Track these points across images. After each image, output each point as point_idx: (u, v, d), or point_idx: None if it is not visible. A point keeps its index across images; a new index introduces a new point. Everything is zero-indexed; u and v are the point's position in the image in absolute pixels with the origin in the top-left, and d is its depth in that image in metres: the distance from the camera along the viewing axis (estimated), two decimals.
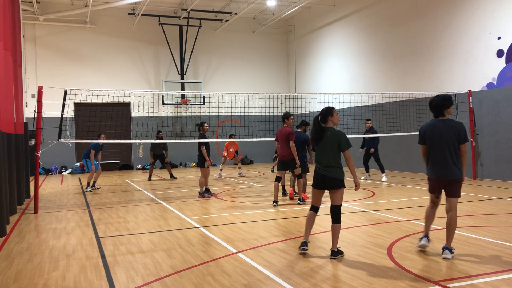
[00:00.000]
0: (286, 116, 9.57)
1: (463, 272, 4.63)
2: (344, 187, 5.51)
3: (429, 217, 5.65)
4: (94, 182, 12.99)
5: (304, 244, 5.47)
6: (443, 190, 5.48)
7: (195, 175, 17.25)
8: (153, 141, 15.52)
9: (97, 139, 12.22)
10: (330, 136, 5.34)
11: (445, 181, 5.39)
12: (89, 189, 12.61)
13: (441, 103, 5.49)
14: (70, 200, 11.00)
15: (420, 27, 15.33)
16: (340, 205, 5.55)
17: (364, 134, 13.88)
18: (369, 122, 13.84)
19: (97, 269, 5.12)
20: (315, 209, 5.68)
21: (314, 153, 5.67)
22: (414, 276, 4.55)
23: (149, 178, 15.55)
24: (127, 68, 21.04)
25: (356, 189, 5.55)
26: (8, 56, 8.65)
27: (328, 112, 5.45)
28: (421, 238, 5.52)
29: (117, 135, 16.00)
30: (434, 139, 5.41)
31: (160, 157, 15.87)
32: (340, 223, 5.47)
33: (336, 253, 5.30)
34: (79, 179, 16.77)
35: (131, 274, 4.89)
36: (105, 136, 12.63)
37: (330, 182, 5.45)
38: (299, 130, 10.28)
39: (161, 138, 16.01)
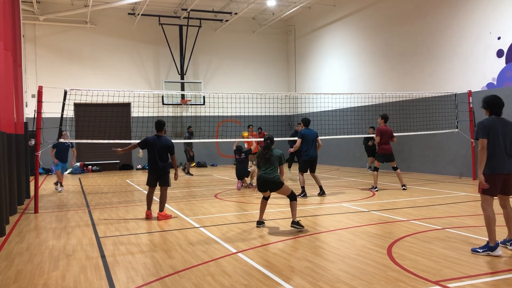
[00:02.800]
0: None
1: (463, 272, 4.63)
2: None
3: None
4: (60, 183, 12.74)
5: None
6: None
7: (195, 175, 17.26)
8: (187, 140, 16.29)
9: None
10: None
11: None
12: (60, 188, 12.63)
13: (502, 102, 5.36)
14: (70, 200, 11.00)
15: (420, 27, 15.33)
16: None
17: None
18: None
19: (97, 269, 5.12)
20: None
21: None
22: (414, 276, 4.55)
23: (188, 173, 16.90)
24: (127, 68, 21.04)
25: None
26: (8, 56, 8.65)
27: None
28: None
29: (117, 135, 15.97)
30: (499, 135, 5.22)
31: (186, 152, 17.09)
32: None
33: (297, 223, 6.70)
34: (79, 179, 16.77)
35: (131, 274, 4.89)
36: (66, 133, 12.00)
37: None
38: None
39: (192, 133, 17.47)
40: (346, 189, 11.86)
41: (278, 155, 7.01)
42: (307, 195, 10.42)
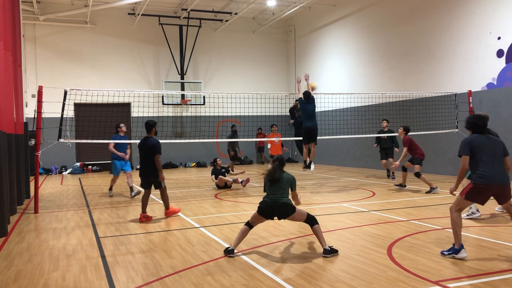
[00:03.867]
0: None
1: (463, 272, 4.63)
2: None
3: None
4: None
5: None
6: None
7: (195, 175, 17.25)
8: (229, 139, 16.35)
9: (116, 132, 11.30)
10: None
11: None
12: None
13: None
14: (70, 200, 11.00)
15: (420, 27, 15.33)
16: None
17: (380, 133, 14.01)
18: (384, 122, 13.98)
19: (97, 269, 5.12)
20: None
21: None
22: (414, 276, 4.55)
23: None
24: (127, 68, 21.03)
25: None
26: (8, 56, 8.65)
27: None
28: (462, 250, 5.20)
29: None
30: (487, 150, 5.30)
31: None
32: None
33: (329, 252, 5.42)
34: (79, 179, 16.77)
35: (131, 274, 4.89)
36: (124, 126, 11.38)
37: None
38: None
39: (235, 132, 17.60)
40: (346, 189, 11.86)
41: (290, 178, 5.77)
42: (311, 166, 11.43)
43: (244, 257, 5.42)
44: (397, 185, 11.67)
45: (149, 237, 6.67)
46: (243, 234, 5.69)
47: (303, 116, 11.27)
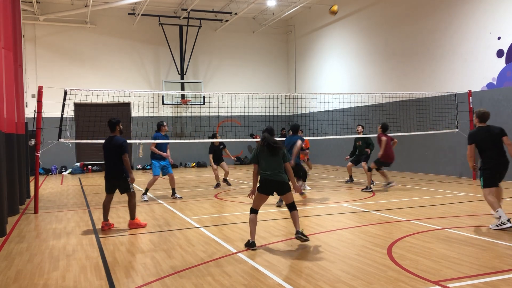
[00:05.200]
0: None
1: (463, 272, 4.63)
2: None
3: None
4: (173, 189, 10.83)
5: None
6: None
7: (195, 175, 17.25)
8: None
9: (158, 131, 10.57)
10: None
11: None
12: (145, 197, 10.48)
13: None
14: (70, 200, 11.00)
15: (420, 27, 15.33)
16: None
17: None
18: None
19: (97, 269, 5.12)
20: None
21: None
22: (414, 276, 4.55)
23: None
24: (127, 68, 21.03)
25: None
26: (9, 56, 8.65)
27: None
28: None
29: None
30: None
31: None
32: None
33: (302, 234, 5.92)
34: (79, 179, 16.78)
35: (131, 274, 4.89)
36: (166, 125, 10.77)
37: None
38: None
39: (284, 135, 17.10)
40: (346, 189, 11.86)
41: (284, 152, 6.00)
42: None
43: (244, 257, 5.42)
44: (366, 189, 11.14)
45: (149, 237, 6.67)
46: (253, 224, 5.94)
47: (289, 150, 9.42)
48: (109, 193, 7.43)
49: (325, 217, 7.92)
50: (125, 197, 7.78)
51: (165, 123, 10.74)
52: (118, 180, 7.25)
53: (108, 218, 7.36)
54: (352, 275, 4.65)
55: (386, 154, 11.14)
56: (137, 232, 7.04)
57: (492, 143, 6.76)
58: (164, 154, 10.34)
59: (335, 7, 12.68)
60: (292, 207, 5.97)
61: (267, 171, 5.89)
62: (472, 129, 7.12)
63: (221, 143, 12.91)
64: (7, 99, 8.39)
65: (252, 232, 5.89)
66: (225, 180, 12.96)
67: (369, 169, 11.34)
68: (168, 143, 10.78)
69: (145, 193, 10.54)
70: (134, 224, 7.31)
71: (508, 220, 6.39)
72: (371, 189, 11.04)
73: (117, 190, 7.47)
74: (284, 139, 10.11)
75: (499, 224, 6.46)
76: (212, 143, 12.79)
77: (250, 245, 5.77)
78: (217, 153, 12.77)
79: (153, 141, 10.46)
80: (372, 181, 11.34)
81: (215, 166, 12.64)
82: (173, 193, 10.72)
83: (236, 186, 13.21)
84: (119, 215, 8.64)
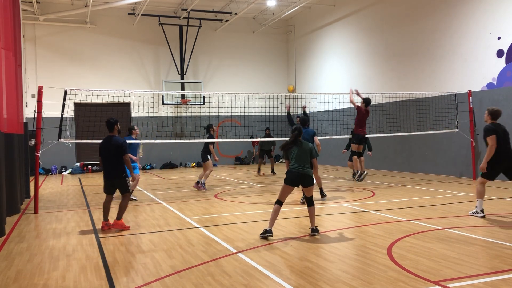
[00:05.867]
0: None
1: (463, 272, 4.63)
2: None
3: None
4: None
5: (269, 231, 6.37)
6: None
7: (195, 175, 17.25)
8: (262, 139, 16.15)
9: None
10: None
11: None
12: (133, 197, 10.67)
13: None
14: (70, 200, 11.00)
15: (420, 28, 15.33)
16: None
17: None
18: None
19: (97, 269, 5.12)
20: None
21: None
22: (414, 276, 4.55)
23: (259, 172, 16.77)
24: (127, 68, 21.03)
25: None
26: (9, 56, 8.65)
27: None
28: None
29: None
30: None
31: (267, 152, 17.02)
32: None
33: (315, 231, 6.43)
34: (79, 179, 16.77)
35: (131, 274, 4.89)
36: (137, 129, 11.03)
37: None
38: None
39: (269, 134, 17.31)
40: (346, 189, 11.86)
41: (309, 147, 6.58)
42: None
43: (244, 257, 5.42)
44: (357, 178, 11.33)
45: (149, 237, 6.67)
46: (275, 213, 6.40)
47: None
48: (108, 194, 7.41)
49: (325, 217, 7.92)
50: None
51: (135, 127, 10.96)
52: (119, 180, 7.23)
53: (108, 218, 7.33)
54: (352, 275, 4.65)
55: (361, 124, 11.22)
56: (137, 232, 7.04)
57: (503, 140, 7.31)
58: (133, 157, 10.46)
59: (291, 88, 13.26)
60: (310, 202, 6.54)
61: (295, 164, 6.45)
62: (489, 124, 7.51)
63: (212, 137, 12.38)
64: (7, 99, 8.40)
65: (272, 220, 6.38)
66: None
67: (353, 153, 11.32)
68: (138, 146, 11.29)
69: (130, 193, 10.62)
70: (118, 225, 7.18)
71: (482, 211, 7.50)
72: (361, 176, 11.02)
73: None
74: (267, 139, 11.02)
75: (475, 212, 7.56)
76: (212, 137, 12.28)
77: (266, 232, 6.28)
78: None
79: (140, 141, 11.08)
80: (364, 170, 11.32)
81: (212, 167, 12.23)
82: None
83: (236, 186, 13.21)
84: None
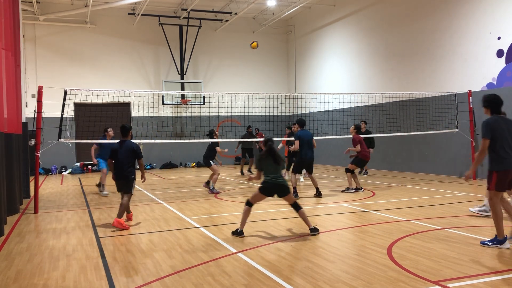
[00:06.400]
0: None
1: (463, 272, 4.63)
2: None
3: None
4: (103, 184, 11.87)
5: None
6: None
7: (195, 175, 17.26)
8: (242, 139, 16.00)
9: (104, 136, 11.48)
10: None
11: None
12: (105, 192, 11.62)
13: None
14: (70, 200, 11.00)
15: (420, 27, 15.33)
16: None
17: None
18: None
19: (97, 269, 5.12)
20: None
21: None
22: (414, 276, 4.55)
23: (242, 173, 16.59)
24: (127, 68, 21.03)
25: None
26: (9, 56, 8.64)
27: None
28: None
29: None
30: (505, 133, 5.45)
31: (248, 151, 16.75)
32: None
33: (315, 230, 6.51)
34: (79, 179, 16.77)
35: (131, 274, 4.89)
36: (112, 131, 11.59)
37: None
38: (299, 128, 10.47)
39: (250, 133, 16.97)
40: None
41: (283, 158, 6.75)
42: (298, 196, 10.29)
43: (244, 257, 5.42)
44: (349, 190, 11.01)
45: (149, 237, 6.67)
46: (246, 214, 6.55)
47: (302, 144, 10.12)
48: (120, 192, 7.76)
49: (325, 217, 7.92)
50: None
51: (109, 129, 11.63)
52: (126, 181, 7.56)
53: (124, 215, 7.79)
54: (352, 275, 4.65)
55: (364, 151, 11.09)
56: (137, 232, 7.04)
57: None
58: (94, 160, 11.69)
59: (255, 44, 13.28)
60: (297, 206, 6.57)
61: (271, 175, 6.52)
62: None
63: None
64: (7, 99, 8.40)
65: (244, 222, 6.56)
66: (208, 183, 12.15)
67: (348, 170, 11.02)
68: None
69: (103, 188, 11.72)
70: (117, 223, 7.27)
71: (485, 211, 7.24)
72: (353, 190, 10.91)
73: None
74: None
75: (481, 210, 7.36)
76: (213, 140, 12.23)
77: (238, 233, 6.46)
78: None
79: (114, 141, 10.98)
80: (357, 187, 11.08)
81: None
82: (99, 185, 11.99)
83: (236, 186, 13.21)
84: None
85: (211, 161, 11.83)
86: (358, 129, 11.24)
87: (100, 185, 11.93)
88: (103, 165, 11.67)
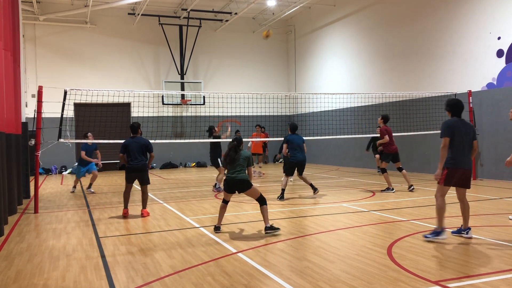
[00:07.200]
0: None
1: (463, 272, 4.63)
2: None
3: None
4: (90, 184, 12.46)
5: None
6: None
7: (195, 175, 17.26)
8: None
9: (84, 139, 11.89)
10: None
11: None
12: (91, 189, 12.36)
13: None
14: (70, 200, 11.00)
15: (420, 27, 15.33)
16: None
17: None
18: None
19: (97, 269, 5.12)
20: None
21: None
22: (414, 276, 4.55)
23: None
24: (127, 68, 21.03)
25: None
26: (8, 56, 8.64)
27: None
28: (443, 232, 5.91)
29: (117, 135, 15.99)
30: (461, 134, 6.04)
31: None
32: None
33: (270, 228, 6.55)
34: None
35: (131, 274, 4.89)
36: (92, 135, 12.16)
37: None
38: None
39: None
40: (346, 189, 11.86)
41: (247, 155, 6.82)
42: (284, 198, 10.10)
43: (244, 257, 5.42)
44: (383, 190, 11.05)
45: (149, 237, 6.67)
46: (222, 210, 6.91)
47: (292, 148, 10.15)
48: (129, 183, 8.51)
49: (325, 217, 7.92)
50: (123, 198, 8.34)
51: (89, 134, 12.08)
52: (141, 172, 8.38)
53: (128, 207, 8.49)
54: (352, 275, 4.65)
55: (390, 145, 11.03)
56: (137, 232, 7.04)
57: None
58: (88, 159, 12.12)
59: (266, 33, 13.35)
60: (261, 201, 6.73)
61: (229, 172, 6.79)
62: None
63: (218, 137, 12.31)
64: (7, 99, 8.39)
65: (220, 217, 6.90)
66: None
67: (384, 171, 11.09)
68: (95, 149, 12.34)
69: (88, 187, 12.30)
70: (146, 212, 8.50)
71: None
72: (393, 190, 10.86)
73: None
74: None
75: None
76: (218, 137, 12.25)
77: (216, 229, 6.79)
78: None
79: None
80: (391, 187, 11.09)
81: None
82: (89, 186, 12.40)
83: None
84: (119, 214, 8.64)
85: (218, 160, 11.93)
86: (385, 119, 11.06)
87: (90, 186, 12.44)
88: (80, 175, 12.33)
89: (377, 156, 13.11)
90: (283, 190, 10.07)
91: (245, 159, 6.79)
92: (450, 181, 5.93)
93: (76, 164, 12.40)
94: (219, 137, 12.24)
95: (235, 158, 6.73)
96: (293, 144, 10.15)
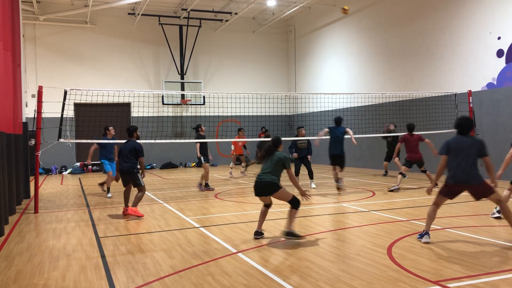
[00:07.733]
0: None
1: (463, 272, 4.63)
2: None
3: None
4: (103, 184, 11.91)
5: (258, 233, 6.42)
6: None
7: (195, 175, 17.25)
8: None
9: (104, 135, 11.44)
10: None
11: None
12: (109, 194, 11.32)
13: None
14: (70, 200, 11.00)
15: (420, 27, 15.33)
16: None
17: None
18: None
19: (97, 269, 5.12)
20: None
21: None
22: (414, 276, 4.55)
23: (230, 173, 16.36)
24: (127, 68, 21.03)
25: None
26: (8, 56, 8.64)
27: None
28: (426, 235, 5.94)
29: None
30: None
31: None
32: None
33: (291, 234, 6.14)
34: (79, 179, 16.77)
35: (131, 274, 4.89)
36: (113, 129, 11.65)
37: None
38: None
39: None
40: (346, 189, 11.85)
41: (280, 157, 6.24)
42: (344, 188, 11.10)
43: (244, 257, 5.42)
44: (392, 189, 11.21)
45: (149, 237, 6.67)
46: (262, 215, 6.47)
47: (330, 139, 11.47)
48: (124, 186, 8.55)
49: (325, 217, 7.92)
50: (123, 198, 8.54)
51: (110, 128, 11.60)
52: (129, 175, 8.35)
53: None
54: (352, 275, 4.65)
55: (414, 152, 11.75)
56: (137, 232, 7.04)
57: None
58: (89, 160, 11.69)
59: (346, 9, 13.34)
60: (293, 204, 6.29)
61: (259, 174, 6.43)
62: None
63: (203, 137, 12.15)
64: (7, 99, 8.40)
65: (260, 222, 6.49)
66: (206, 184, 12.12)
67: (404, 175, 11.64)
68: (115, 145, 11.51)
69: (108, 191, 11.39)
70: (132, 211, 8.18)
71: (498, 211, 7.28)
72: (398, 188, 11.17)
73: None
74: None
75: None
76: (200, 137, 11.99)
77: (257, 234, 6.38)
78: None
79: (116, 141, 11.44)
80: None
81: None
82: (102, 185, 12.03)
83: (236, 186, 13.21)
84: (119, 214, 8.64)
85: (201, 159, 11.77)
86: (408, 129, 11.77)
87: (103, 184, 11.98)
88: (108, 168, 11.35)
89: (397, 159, 13.37)
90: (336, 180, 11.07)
91: (279, 161, 6.24)
92: (447, 194, 5.92)
93: (101, 161, 11.44)
94: (202, 137, 12.04)
95: (267, 159, 6.35)
96: (331, 136, 11.32)
